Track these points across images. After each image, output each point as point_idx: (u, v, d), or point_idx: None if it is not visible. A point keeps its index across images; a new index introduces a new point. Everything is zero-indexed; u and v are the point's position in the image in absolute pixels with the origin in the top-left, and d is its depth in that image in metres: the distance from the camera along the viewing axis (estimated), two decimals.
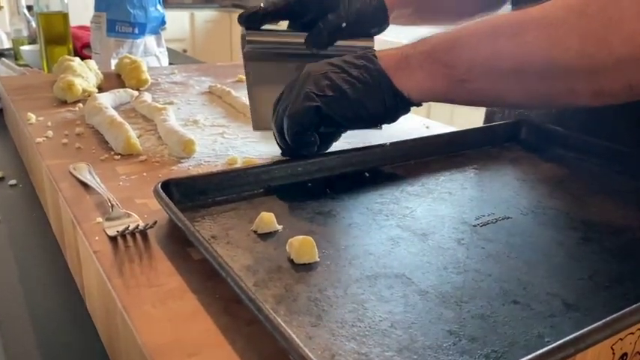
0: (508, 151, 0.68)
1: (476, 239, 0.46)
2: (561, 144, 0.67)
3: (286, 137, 0.56)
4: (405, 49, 0.55)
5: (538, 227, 0.50)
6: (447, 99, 0.55)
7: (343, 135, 0.64)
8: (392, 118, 0.57)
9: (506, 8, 0.82)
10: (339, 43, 0.66)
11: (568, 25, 0.46)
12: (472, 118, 0.88)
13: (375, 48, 0.68)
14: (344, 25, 0.65)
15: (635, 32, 0.43)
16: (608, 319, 0.33)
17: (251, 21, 0.65)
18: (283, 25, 0.71)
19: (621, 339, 0.35)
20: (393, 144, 0.63)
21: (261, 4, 0.65)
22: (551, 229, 0.49)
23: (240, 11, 0.68)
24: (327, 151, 0.60)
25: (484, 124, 0.85)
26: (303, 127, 0.55)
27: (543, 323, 0.36)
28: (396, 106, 0.55)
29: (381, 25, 0.70)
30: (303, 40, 0.66)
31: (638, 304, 0.35)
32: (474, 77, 0.51)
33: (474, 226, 0.49)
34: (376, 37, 0.69)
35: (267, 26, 0.67)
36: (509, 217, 0.50)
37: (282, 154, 0.61)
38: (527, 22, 0.49)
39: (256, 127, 0.70)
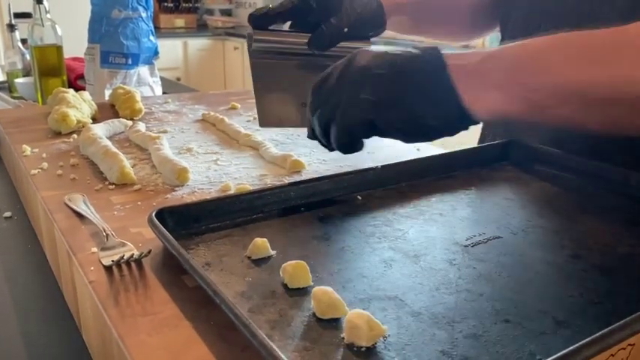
0: (498, 172, 0.69)
1: (467, 259, 0.47)
2: (550, 163, 0.68)
3: (332, 141, 0.53)
4: (476, 59, 0.49)
5: (528, 246, 0.50)
6: (520, 121, 0.50)
7: (333, 158, 0.65)
8: (450, 134, 0.51)
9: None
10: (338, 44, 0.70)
11: None
12: (463, 139, 0.89)
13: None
14: (345, 30, 0.68)
15: None
16: (598, 334, 0.34)
17: (261, 21, 0.68)
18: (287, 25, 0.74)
19: (612, 355, 0.35)
20: (384, 167, 0.64)
21: (270, 6, 0.68)
22: (540, 247, 0.50)
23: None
24: (319, 176, 0.61)
25: (478, 143, 0.87)
26: (354, 138, 0.52)
27: (535, 341, 0.37)
28: (459, 123, 0.50)
29: (379, 28, 0.73)
30: (306, 41, 0.69)
31: (627, 320, 0.36)
32: (557, 104, 0.47)
33: (465, 246, 0.49)
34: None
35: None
36: (499, 237, 0.51)
37: (310, 137, 0.59)
38: (625, 45, 0.44)
39: (262, 123, 0.71)
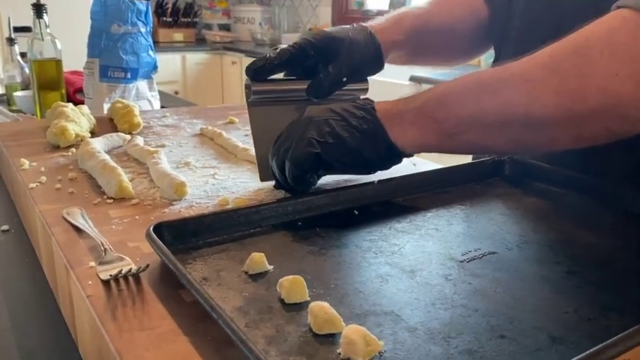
0: (493, 187, 0.70)
1: (463, 275, 0.47)
2: (544, 179, 0.69)
3: (287, 178, 0.60)
4: (399, 104, 0.59)
5: (523, 262, 0.51)
6: (438, 150, 0.58)
7: (334, 175, 0.66)
8: (385, 167, 0.61)
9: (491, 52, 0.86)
10: None
11: (544, 81, 0.50)
12: (458, 156, 0.90)
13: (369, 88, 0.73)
14: (344, 79, 0.69)
15: (607, 85, 0.47)
16: (592, 350, 0.34)
17: (258, 73, 0.67)
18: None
19: None
20: (380, 182, 0.65)
21: (267, 56, 0.67)
22: (535, 263, 0.51)
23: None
24: (316, 191, 0.62)
25: (473, 159, 0.87)
26: (304, 171, 0.59)
27: (530, 357, 0.37)
28: (389, 156, 0.59)
29: (377, 69, 0.74)
30: (304, 87, 0.69)
31: (621, 335, 0.36)
32: (462, 130, 0.55)
33: (461, 261, 0.50)
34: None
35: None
36: (494, 253, 0.52)
37: (276, 187, 0.65)
38: (507, 79, 0.53)
39: (262, 178, 0.70)
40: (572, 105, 0.49)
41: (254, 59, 0.68)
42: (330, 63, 0.68)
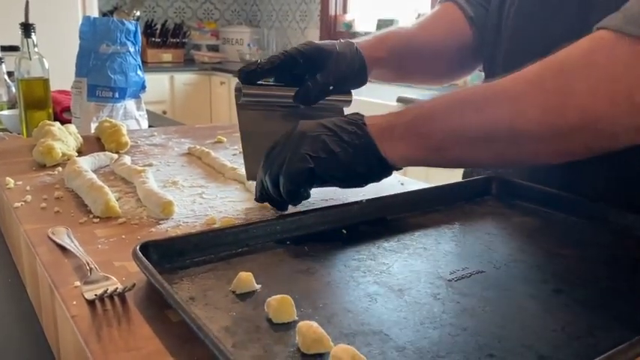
0: (480, 206, 0.70)
1: (451, 294, 0.47)
2: (531, 198, 0.70)
3: (281, 192, 0.60)
4: (389, 119, 0.60)
5: (511, 281, 0.51)
6: (426, 164, 0.60)
7: (321, 193, 0.66)
8: (376, 179, 0.62)
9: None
10: None
11: (528, 98, 0.52)
12: (446, 175, 0.90)
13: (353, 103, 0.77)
14: (331, 88, 0.73)
15: (585, 103, 0.49)
16: None
17: (249, 77, 0.72)
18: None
19: None
20: (369, 201, 0.65)
21: (259, 61, 0.72)
22: (523, 282, 0.51)
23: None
24: (304, 210, 0.62)
25: (462, 178, 0.88)
26: (298, 185, 0.59)
27: None
28: (380, 170, 0.60)
29: (361, 83, 0.77)
30: (292, 94, 0.73)
31: (608, 354, 0.36)
32: (448, 146, 0.57)
33: (449, 280, 0.50)
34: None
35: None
36: (482, 272, 0.52)
37: (258, 200, 0.65)
38: (491, 96, 0.55)
39: (250, 176, 0.73)
40: (555, 121, 0.51)
41: (246, 64, 0.72)
42: (318, 72, 0.72)
